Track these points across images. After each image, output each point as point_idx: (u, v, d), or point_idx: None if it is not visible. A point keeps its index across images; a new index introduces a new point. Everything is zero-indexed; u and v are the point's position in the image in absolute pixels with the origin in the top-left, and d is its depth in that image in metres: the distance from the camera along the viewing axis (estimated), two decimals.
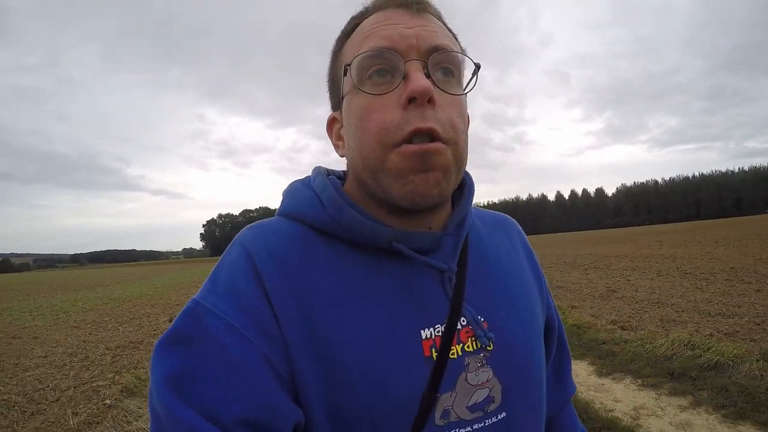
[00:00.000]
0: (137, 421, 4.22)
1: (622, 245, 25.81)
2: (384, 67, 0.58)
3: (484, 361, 0.61)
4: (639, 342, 5.43)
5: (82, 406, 4.69)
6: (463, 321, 0.61)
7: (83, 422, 4.27)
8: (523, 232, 0.83)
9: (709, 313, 6.80)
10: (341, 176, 0.72)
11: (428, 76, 0.57)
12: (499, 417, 0.60)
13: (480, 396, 0.59)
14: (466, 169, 0.67)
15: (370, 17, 0.62)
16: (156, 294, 17.54)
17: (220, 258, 0.62)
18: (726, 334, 5.57)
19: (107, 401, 4.74)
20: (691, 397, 3.89)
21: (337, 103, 0.67)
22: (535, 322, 0.70)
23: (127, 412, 4.52)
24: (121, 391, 5.12)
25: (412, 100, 0.55)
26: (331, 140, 0.70)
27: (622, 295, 9.08)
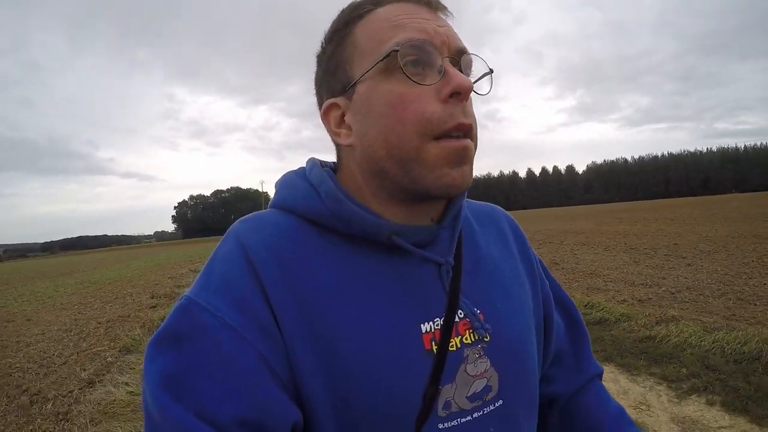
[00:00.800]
0: (135, 370, 5.15)
1: (583, 221, 26.96)
2: (420, 58, 0.57)
3: (481, 352, 0.61)
4: None
5: (87, 364, 5.58)
6: (461, 314, 0.62)
7: (92, 373, 5.15)
8: (512, 219, 0.83)
9: (633, 282, 7.60)
10: (333, 168, 0.70)
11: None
12: (497, 405, 0.62)
13: (479, 386, 0.60)
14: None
15: (390, 6, 0.61)
16: (134, 276, 18.09)
17: (212, 252, 0.60)
18: (639, 300, 6.34)
19: (109, 359, 5.62)
20: None
21: (340, 88, 0.63)
22: (527, 311, 0.71)
23: (127, 364, 5.43)
24: (120, 350, 6.04)
25: (454, 95, 0.56)
26: (329, 127, 0.65)
27: (562, 267, 9.93)
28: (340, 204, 0.60)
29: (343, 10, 0.64)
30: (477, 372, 0.61)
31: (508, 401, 0.63)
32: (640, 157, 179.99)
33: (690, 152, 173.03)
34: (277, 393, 0.51)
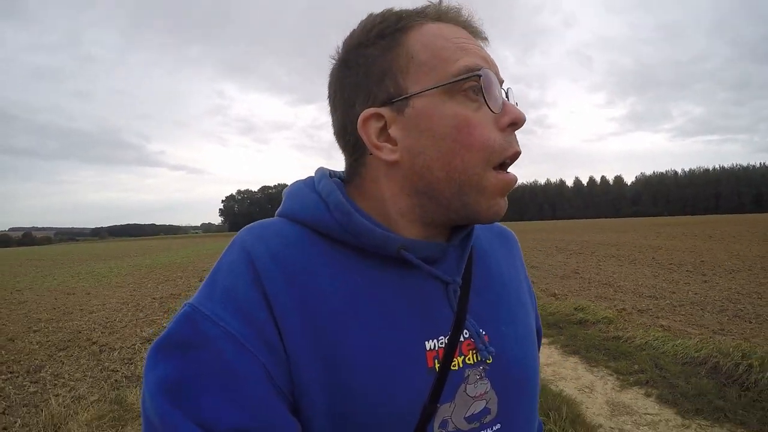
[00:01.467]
0: None
1: (621, 234, 26.76)
2: (483, 86, 0.57)
3: (483, 374, 0.61)
4: (542, 305, 6.89)
5: (146, 327, 6.74)
6: (466, 333, 0.61)
7: (151, 334, 6.33)
8: (518, 243, 0.84)
9: (642, 294, 7.93)
10: (341, 177, 0.69)
11: None
12: (494, 428, 0.61)
13: (477, 407, 0.60)
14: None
15: (439, 24, 0.61)
16: (183, 262, 19.55)
17: (218, 260, 0.59)
18: (638, 310, 6.70)
19: (164, 325, 6.71)
20: (551, 338, 5.72)
21: (385, 97, 0.59)
22: (529, 334, 0.71)
23: None
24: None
25: (512, 125, 0.58)
26: (367, 139, 0.60)
27: (582, 276, 10.32)
28: (349, 216, 0.59)
29: (384, 17, 0.61)
30: (476, 393, 0.60)
31: (506, 425, 0.62)
32: (690, 169, 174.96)
33: (742, 166, 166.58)
34: (278, 405, 0.51)
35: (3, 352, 5.75)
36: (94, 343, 6.08)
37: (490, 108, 0.57)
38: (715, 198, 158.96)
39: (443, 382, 0.57)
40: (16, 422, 3.76)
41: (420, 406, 0.55)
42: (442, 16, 0.62)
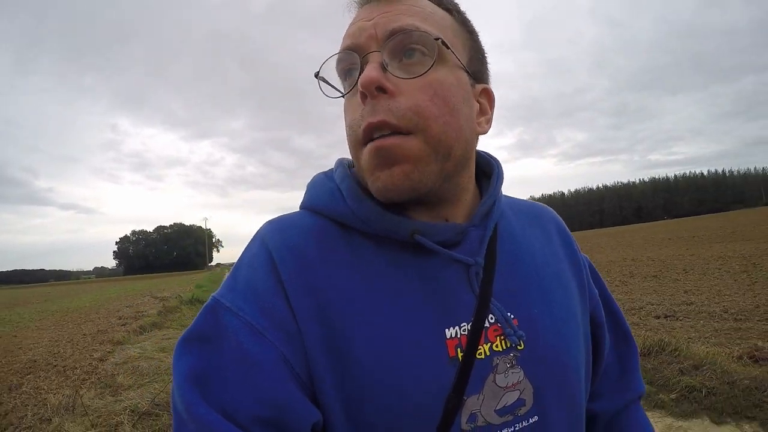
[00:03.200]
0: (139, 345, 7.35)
1: None
2: (349, 66, 0.59)
3: (514, 362, 0.58)
4: None
5: (94, 353, 7.76)
6: (491, 318, 0.58)
7: (102, 355, 7.42)
8: (561, 221, 0.79)
9: None
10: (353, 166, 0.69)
11: (386, 64, 0.56)
12: (531, 421, 0.58)
13: (510, 399, 0.57)
14: (495, 155, 0.68)
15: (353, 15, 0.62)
16: (93, 306, 19.35)
17: (241, 253, 0.61)
18: None
19: (108, 350, 7.83)
20: None
21: None
22: (571, 318, 0.66)
23: (124, 350, 7.69)
24: (114, 344, 8.31)
25: (363, 96, 0.55)
26: None
27: None
28: (360, 202, 0.59)
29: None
30: (508, 383, 0.57)
31: (546, 418, 0.58)
32: (576, 190, 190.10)
33: (623, 183, 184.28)
34: (298, 393, 0.51)
35: None
36: (54, 366, 7.06)
37: (343, 94, 0.60)
38: (600, 214, 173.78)
39: (468, 373, 0.54)
40: (25, 415, 4.84)
41: (442, 399, 0.53)
42: (359, 2, 0.63)
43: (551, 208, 0.80)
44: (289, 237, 0.59)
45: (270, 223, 0.63)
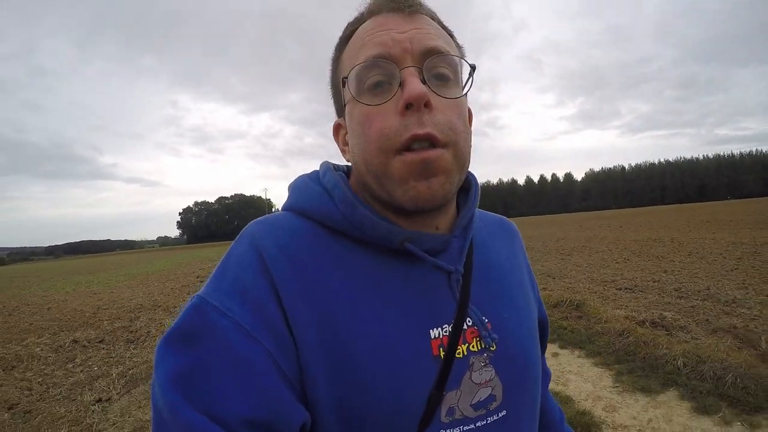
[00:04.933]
0: None
1: (563, 227, 30.04)
2: (381, 76, 0.59)
3: (487, 361, 0.62)
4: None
5: (185, 296, 10.06)
6: (469, 321, 0.62)
7: None
8: (519, 233, 0.85)
9: (540, 272, 10.00)
10: (346, 171, 0.72)
11: (424, 81, 0.58)
12: (500, 415, 0.62)
13: (483, 394, 0.61)
14: (470, 169, 0.68)
15: (366, 23, 0.63)
16: (169, 269, 22.25)
17: (226, 253, 0.60)
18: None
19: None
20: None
21: (340, 109, 0.67)
22: (531, 322, 0.73)
23: None
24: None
25: (408, 106, 0.56)
26: (338, 145, 0.70)
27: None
28: (354, 209, 0.61)
29: (342, 32, 0.67)
30: (482, 380, 0.61)
31: (512, 412, 0.63)
32: (636, 164, 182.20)
33: (686, 159, 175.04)
34: (287, 394, 0.51)
35: (97, 323, 8.99)
36: (159, 306, 9.62)
37: (357, 99, 0.60)
38: (661, 190, 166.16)
39: (449, 370, 0.57)
40: (149, 331, 7.10)
41: (426, 394, 0.56)
42: (371, 9, 0.64)
43: (512, 222, 0.86)
44: (280, 238, 0.59)
45: (257, 223, 0.63)
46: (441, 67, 0.60)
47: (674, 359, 4.19)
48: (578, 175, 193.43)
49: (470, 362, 0.61)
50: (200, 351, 0.51)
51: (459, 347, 0.60)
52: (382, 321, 0.58)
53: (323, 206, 0.63)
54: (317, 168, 0.72)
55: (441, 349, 0.59)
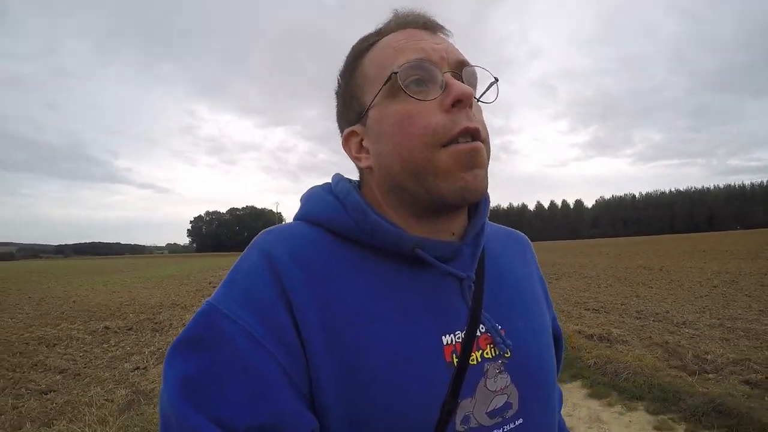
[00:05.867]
0: None
1: (564, 252, 30.71)
2: (422, 76, 0.60)
3: (502, 368, 0.61)
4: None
5: (202, 299, 11.12)
6: (482, 328, 0.62)
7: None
8: (531, 245, 0.85)
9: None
10: (357, 185, 0.72)
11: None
12: (517, 423, 0.61)
13: (499, 402, 0.60)
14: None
15: (392, 35, 0.65)
16: (182, 274, 23.35)
17: (236, 261, 0.61)
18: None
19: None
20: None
21: (355, 117, 0.67)
22: (545, 331, 0.72)
23: None
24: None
25: (456, 103, 0.59)
26: (350, 154, 0.69)
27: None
28: (366, 215, 0.61)
29: (353, 46, 0.69)
30: (497, 387, 0.60)
31: (529, 420, 0.62)
32: (647, 193, 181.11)
33: (696, 189, 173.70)
34: (295, 402, 0.51)
35: (117, 318, 10.08)
36: (177, 305, 10.75)
37: (413, 97, 0.60)
38: (670, 219, 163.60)
39: (462, 377, 0.57)
40: (171, 323, 8.14)
41: (440, 401, 0.55)
42: (399, 24, 0.66)
43: (524, 234, 0.86)
44: (291, 246, 0.60)
45: (269, 231, 0.63)
46: (471, 76, 0.64)
47: (588, 359, 5.24)
48: (589, 203, 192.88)
49: (485, 369, 0.60)
50: (209, 358, 0.51)
51: (473, 354, 0.59)
52: (393, 327, 0.57)
53: (335, 214, 0.63)
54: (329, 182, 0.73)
55: (454, 355, 0.58)
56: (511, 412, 0.61)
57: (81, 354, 6.60)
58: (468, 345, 0.59)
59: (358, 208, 0.62)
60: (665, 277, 13.71)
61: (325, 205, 0.65)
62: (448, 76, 0.61)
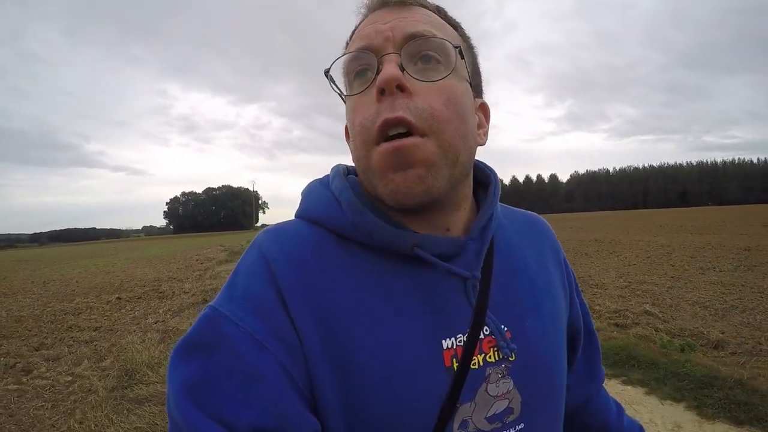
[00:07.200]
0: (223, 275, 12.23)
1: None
2: (363, 66, 0.59)
3: (505, 372, 0.60)
4: None
5: (193, 273, 12.68)
6: (486, 330, 0.60)
7: (201, 271, 12.37)
8: (552, 231, 0.80)
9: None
10: (356, 180, 0.68)
11: (403, 66, 0.56)
12: (518, 428, 0.60)
13: (499, 407, 0.59)
14: (492, 166, 0.67)
15: (363, 22, 0.63)
16: (168, 254, 24.47)
17: (237, 262, 0.61)
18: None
19: (200, 272, 12.79)
20: None
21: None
22: (559, 329, 0.69)
23: (213, 271, 12.76)
24: (217, 262, 13.56)
25: (382, 92, 0.55)
26: (350, 148, 0.66)
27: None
28: (361, 215, 0.59)
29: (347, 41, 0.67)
30: (498, 393, 0.59)
31: (530, 425, 0.61)
32: (620, 168, 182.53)
33: (670, 165, 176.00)
34: (297, 403, 0.51)
35: (116, 296, 11.50)
36: (174, 279, 12.27)
37: (353, 91, 0.60)
38: (643, 194, 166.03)
39: (462, 382, 0.55)
40: (173, 292, 9.65)
41: (438, 406, 0.54)
42: (369, 8, 0.64)
43: (544, 219, 0.81)
44: (287, 247, 0.59)
45: (267, 232, 0.63)
46: (425, 50, 0.58)
47: None
48: (563, 177, 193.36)
49: (486, 374, 0.59)
50: (211, 360, 0.52)
51: (474, 357, 0.58)
52: (390, 330, 0.56)
53: (332, 213, 0.62)
54: (328, 171, 0.71)
55: (454, 359, 0.57)
56: (512, 417, 0.60)
57: (105, 317, 8.08)
58: (469, 349, 0.57)
59: (352, 207, 0.61)
60: (610, 248, 14.75)
61: (322, 203, 0.64)
62: (385, 59, 0.57)
